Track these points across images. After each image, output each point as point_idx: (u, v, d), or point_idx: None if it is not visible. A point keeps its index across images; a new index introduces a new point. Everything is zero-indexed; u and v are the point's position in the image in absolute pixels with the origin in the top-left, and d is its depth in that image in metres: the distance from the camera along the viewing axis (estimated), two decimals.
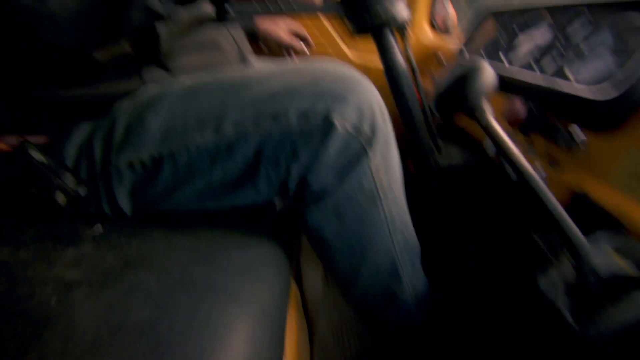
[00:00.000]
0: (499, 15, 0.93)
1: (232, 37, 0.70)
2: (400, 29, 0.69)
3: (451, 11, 1.31)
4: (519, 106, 0.69)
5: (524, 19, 0.81)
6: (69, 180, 0.51)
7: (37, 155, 0.51)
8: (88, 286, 0.38)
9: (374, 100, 0.51)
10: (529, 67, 0.71)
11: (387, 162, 0.54)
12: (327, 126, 0.47)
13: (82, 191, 0.52)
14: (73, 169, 0.53)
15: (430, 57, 1.26)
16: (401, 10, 0.66)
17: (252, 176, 0.51)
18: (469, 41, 1.01)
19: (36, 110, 0.54)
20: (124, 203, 0.54)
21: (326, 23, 1.41)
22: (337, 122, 0.47)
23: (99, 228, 0.52)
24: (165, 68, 0.58)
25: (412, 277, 0.64)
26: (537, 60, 0.70)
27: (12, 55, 0.50)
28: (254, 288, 0.43)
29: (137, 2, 0.41)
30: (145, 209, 0.56)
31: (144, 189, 0.54)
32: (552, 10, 0.75)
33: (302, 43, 1.13)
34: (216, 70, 0.64)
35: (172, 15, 0.44)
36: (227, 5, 0.64)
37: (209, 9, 0.65)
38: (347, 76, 0.51)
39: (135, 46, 0.55)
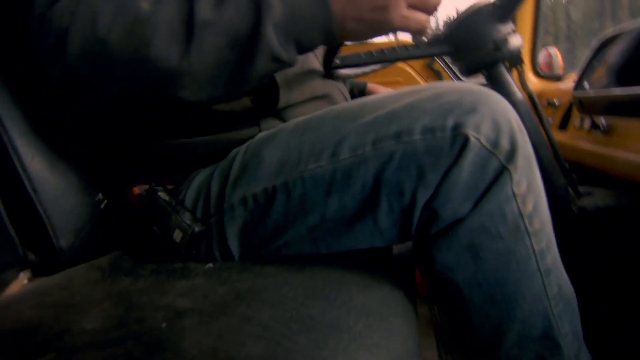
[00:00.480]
0: (622, 40, 0.82)
1: (341, 92, 0.72)
2: (516, 62, 0.65)
3: (556, 55, 1.22)
4: None
5: None
6: (187, 218, 0.53)
7: (163, 196, 0.55)
8: (199, 315, 0.35)
9: (510, 113, 0.43)
10: None
11: (532, 186, 0.43)
12: (459, 140, 0.40)
13: (197, 227, 0.52)
14: (191, 209, 0.55)
15: (540, 101, 1.16)
16: (515, 41, 0.62)
17: (371, 207, 0.45)
18: (587, 72, 0.90)
19: (163, 159, 0.59)
20: (234, 244, 0.52)
21: (418, 77, 1.43)
22: (471, 135, 0.40)
23: (210, 265, 0.51)
24: (281, 118, 0.59)
25: (572, 347, 0.48)
26: None
27: (145, 110, 0.55)
28: (383, 333, 0.35)
29: (264, 51, 0.40)
30: (254, 251, 0.53)
31: (254, 228, 0.51)
32: None
33: None
34: None
35: (293, 62, 0.43)
36: (336, 59, 0.67)
37: (317, 65, 0.69)
38: (475, 89, 0.44)
39: (255, 99, 0.57)
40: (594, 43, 0.94)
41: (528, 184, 0.43)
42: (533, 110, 0.65)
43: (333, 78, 0.70)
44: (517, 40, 0.61)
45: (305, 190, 0.47)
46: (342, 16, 0.40)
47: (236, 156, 0.53)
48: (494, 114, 0.41)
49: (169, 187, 0.59)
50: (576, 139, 0.89)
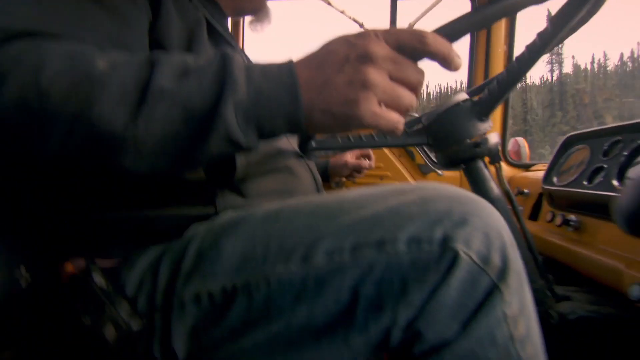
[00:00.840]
0: (594, 140, 0.86)
1: (306, 164, 0.68)
2: (494, 160, 0.65)
3: (524, 145, 1.28)
4: None
5: (628, 141, 0.73)
6: (124, 311, 0.43)
7: (99, 280, 0.45)
8: None
9: (501, 226, 0.39)
10: None
11: (524, 307, 0.39)
12: (448, 255, 0.37)
13: (134, 325, 0.43)
14: (132, 298, 0.46)
15: (511, 189, 1.19)
16: (493, 139, 0.62)
17: (344, 322, 0.39)
18: (555, 168, 0.93)
19: (105, 232, 0.51)
20: (179, 345, 0.43)
21: (391, 155, 1.44)
22: (461, 250, 0.37)
23: None
24: (240, 193, 0.54)
25: None
26: None
27: (84, 178, 0.49)
28: None
29: (220, 131, 0.35)
30: (202, 355, 0.44)
31: (206, 329, 0.43)
32: None
33: (367, 160, 1.12)
34: (293, 195, 0.60)
35: (252, 147, 0.38)
36: (312, 141, 0.64)
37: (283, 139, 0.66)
38: (464, 196, 0.41)
39: (209, 171, 0.51)
40: (561, 139, 0.99)
41: (520, 304, 0.39)
42: (510, 208, 0.64)
43: (301, 156, 0.66)
44: (496, 138, 0.61)
45: (270, 295, 0.41)
46: (310, 107, 0.36)
47: (190, 242, 0.46)
48: (486, 227, 0.38)
49: (111, 263, 0.50)
50: (548, 233, 0.89)
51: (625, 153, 0.70)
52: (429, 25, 0.52)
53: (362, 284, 0.38)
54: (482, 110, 0.61)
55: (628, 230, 0.36)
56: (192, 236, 0.47)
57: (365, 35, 0.36)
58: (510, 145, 1.29)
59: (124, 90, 0.34)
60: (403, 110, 0.37)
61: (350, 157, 1.08)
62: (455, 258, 0.36)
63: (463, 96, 0.63)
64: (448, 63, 0.37)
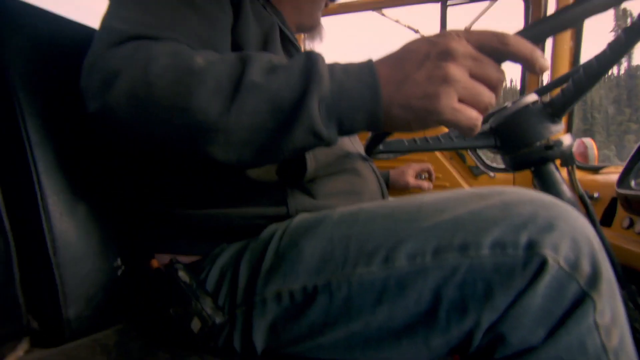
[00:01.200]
0: None
1: (370, 166, 0.70)
2: (567, 162, 0.62)
3: (591, 146, 1.20)
4: None
5: None
6: (208, 306, 0.47)
7: (183, 276, 0.50)
8: None
9: (589, 232, 0.39)
10: None
11: (616, 316, 0.38)
12: (535, 261, 0.36)
13: (218, 319, 0.46)
14: (213, 293, 0.50)
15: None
16: (567, 141, 0.60)
17: (425, 322, 0.40)
18: (633, 170, 0.87)
19: (186, 229, 0.56)
20: (259, 339, 0.47)
21: (442, 158, 1.42)
22: (549, 255, 0.36)
23: None
24: (310, 194, 0.56)
25: None
26: None
27: (173, 163, 0.53)
28: None
29: (304, 123, 0.37)
30: (280, 349, 0.47)
31: (286, 326, 0.46)
32: None
33: (427, 182, 1.12)
34: (361, 196, 0.62)
35: (332, 141, 0.40)
36: (381, 144, 0.65)
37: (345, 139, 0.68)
38: (548, 201, 0.40)
39: (281, 172, 0.55)
40: (630, 139, 0.92)
41: (612, 313, 0.37)
42: (585, 213, 0.61)
43: (365, 159, 0.68)
44: (569, 140, 0.59)
45: (350, 295, 0.42)
46: (389, 102, 0.37)
47: (270, 242, 0.49)
48: (574, 232, 0.37)
49: (191, 259, 0.55)
50: (624, 240, 0.83)
51: None
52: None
53: (445, 286, 0.39)
54: (554, 111, 0.59)
55: None
56: (270, 236, 0.50)
57: (446, 34, 0.36)
58: (575, 146, 1.21)
59: (219, 84, 0.37)
60: (482, 108, 0.37)
61: (411, 176, 1.09)
62: (543, 263, 0.36)
63: (533, 97, 0.61)
64: (532, 65, 0.36)
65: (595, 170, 1.19)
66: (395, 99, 0.37)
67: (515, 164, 0.61)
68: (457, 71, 0.35)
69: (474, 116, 0.36)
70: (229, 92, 0.37)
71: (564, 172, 0.64)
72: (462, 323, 0.39)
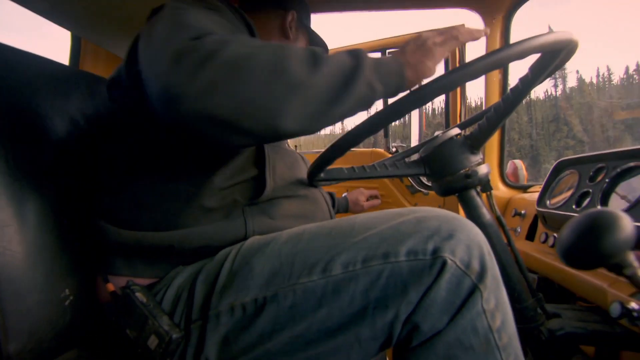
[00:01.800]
0: (581, 166, 0.92)
1: (320, 193, 0.76)
2: (485, 189, 0.71)
3: (521, 167, 1.34)
4: None
5: (610, 168, 0.79)
6: (165, 323, 0.51)
7: (140, 297, 0.53)
8: None
9: (480, 239, 0.49)
10: None
11: (499, 303, 0.48)
12: (438, 263, 0.46)
13: (175, 334, 0.50)
14: (169, 312, 0.54)
15: (508, 209, 1.24)
16: (483, 170, 0.69)
17: (356, 320, 0.48)
18: (548, 191, 0.99)
19: (143, 253, 0.58)
20: (212, 352, 0.51)
21: (389, 183, 1.55)
22: (448, 258, 0.46)
23: None
24: (267, 214, 0.63)
25: None
26: None
27: (128, 196, 0.58)
28: None
29: (363, 79, 0.50)
30: None
31: (238, 336, 0.51)
32: None
33: (377, 200, 1.33)
34: (312, 218, 0.68)
35: (379, 96, 0.53)
36: (321, 172, 0.71)
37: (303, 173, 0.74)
38: (450, 217, 0.50)
39: (241, 191, 0.61)
40: (553, 164, 1.05)
41: (496, 301, 0.48)
42: (501, 230, 0.70)
43: (315, 186, 0.74)
44: (485, 169, 0.68)
45: (295, 302, 0.49)
46: (406, 64, 0.54)
47: (224, 263, 0.54)
48: (467, 240, 0.48)
49: (146, 282, 0.58)
50: (542, 253, 0.94)
51: (607, 180, 0.76)
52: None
53: (372, 288, 0.47)
54: (473, 144, 0.68)
55: (565, 262, 0.43)
56: (225, 257, 0.55)
57: (426, 33, 0.58)
58: (508, 167, 1.35)
59: (304, 57, 0.47)
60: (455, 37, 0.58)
61: (364, 201, 1.29)
62: (444, 264, 0.46)
63: (456, 131, 0.70)
64: (476, 38, 0.59)
65: (524, 189, 1.32)
66: (409, 61, 0.54)
67: (442, 191, 0.69)
68: (431, 42, 0.56)
69: (453, 43, 0.57)
70: (312, 63, 0.47)
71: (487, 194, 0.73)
72: (385, 317, 0.47)
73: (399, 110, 0.52)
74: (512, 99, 0.62)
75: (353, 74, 0.49)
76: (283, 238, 0.55)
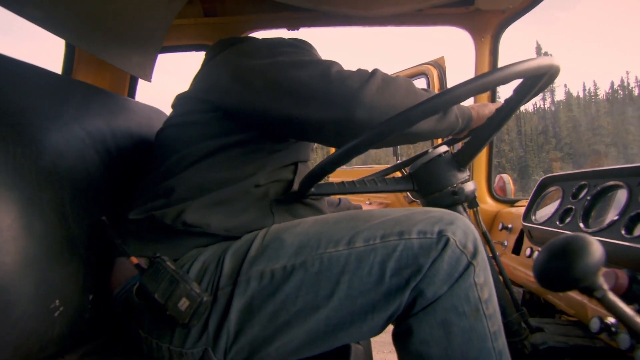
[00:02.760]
0: (565, 182, 0.95)
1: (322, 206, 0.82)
2: (471, 205, 0.73)
3: (508, 181, 1.37)
4: (622, 276, 0.62)
5: (592, 185, 0.82)
6: (195, 287, 0.55)
7: (171, 265, 0.57)
8: None
9: (473, 228, 0.59)
10: (619, 235, 0.67)
11: (487, 280, 0.57)
12: (442, 240, 0.55)
13: (206, 297, 0.55)
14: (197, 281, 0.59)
15: (495, 223, 1.26)
16: (469, 187, 0.71)
17: (374, 287, 0.56)
18: (533, 206, 1.02)
19: (174, 233, 0.66)
20: (233, 319, 0.57)
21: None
22: (451, 237, 0.55)
23: None
24: (292, 214, 0.73)
25: None
26: (629, 229, 0.66)
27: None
28: None
29: (454, 113, 0.75)
30: (251, 331, 0.57)
31: (262, 303, 0.57)
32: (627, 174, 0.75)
33: None
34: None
35: (461, 128, 0.78)
36: (313, 188, 0.73)
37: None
38: (451, 212, 0.60)
39: (274, 190, 0.72)
40: (539, 180, 1.08)
41: (484, 278, 0.57)
42: (487, 247, 0.71)
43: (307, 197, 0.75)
44: (471, 187, 0.70)
45: (321, 269, 0.57)
46: (473, 109, 0.79)
47: (254, 240, 0.61)
48: (464, 227, 0.57)
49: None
50: (527, 267, 0.96)
51: (588, 198, 0.79)
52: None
53: (388, 259, 0.56)
54: (460, 161, 0.70)
55: (540, 284, 0.45)
56: (254, 237, 0.62)
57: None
58: (496, 181, 1.38)
59: (412, 92, 0.69)
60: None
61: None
62: (447, 241, 0.55)
63: (443, 148, 0.72)
64: None
65: (512, 202, 1.35)
66: (474, 110, 0.79)
67: (430, 206, 0.70)
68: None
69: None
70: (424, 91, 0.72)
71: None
72: (398, 284, 0.55)
73: (384, 133, 0.54)
74: (498, 120, 0.64)
75: (448, 111, 0.72)
76: (310, 221, 0.63)
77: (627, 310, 0.44)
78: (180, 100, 0.81)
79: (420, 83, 1.61)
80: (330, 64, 0.67)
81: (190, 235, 0.65)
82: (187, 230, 0.65)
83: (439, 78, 1.48)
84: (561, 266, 0.42)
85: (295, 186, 0.72)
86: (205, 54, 0.87)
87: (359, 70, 0.67)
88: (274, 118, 0.69)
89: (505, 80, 0.51)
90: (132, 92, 1.30)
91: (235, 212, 0.68)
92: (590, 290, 0.42)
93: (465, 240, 0.56)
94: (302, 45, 0.76)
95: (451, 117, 0.72)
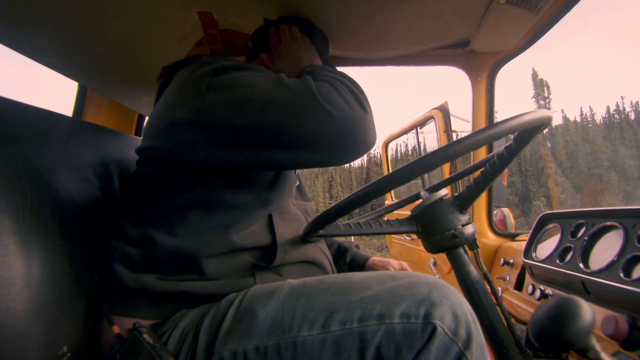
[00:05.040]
0: (563, 220, 0.97)
1: (325, 254, 0.81)
2: (472, 247, 0.75)
3: (508, 215, 1.39)
4: (622, 322, 0.63)
5: (589, 224, 0.84)
6: None
7: (147, 338, 0.55)
8: None
9: (465, 307, 0.52)
10: (617, 277, 0.69)
11: None
12: (429, 328, 0.49)
13: None
14: (175, 354, 0.56)
15: (496, 257, 1.27)
16: (470, 230, 0.72)
17: None
18: (533, 243, 1.03)
19: (155, 296, 0.62)
20: None
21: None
22: (438, 325, 0.49)
23: None
24: (278, 274, 0.68)
25: None
26: (627, 271, 0.68)
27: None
28: None
29: None
30: None
31: None
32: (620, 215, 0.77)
33: None
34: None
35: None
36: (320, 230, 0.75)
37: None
38: (440, 284, 0.54)
39: (254, 256, 0.66)
40: (538, 217, 1.10)
41: None
42: (489, 289, 0.72)
43: (314, 241, 0.77)
44: (472, 229, 0.71)
45: (295, 354, 0.52)
46: None
47: (229, 308, 0.57)
48: (454, 308, 0.51)
49: (149, 322, 0.61)
50: (529, 304, 0.97)
51: (586, 238, 0.81)
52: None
53: (367, 346, 0.50)
54: (461, 204, 0.72)
55: (538, 345, 0.46)
56: (230, 303, 0.58)
57: None
58: (496, 215, 1.40)
59: None
60: None
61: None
62: (434, 330, 0.49)
63: (445, 192, 0.74)
64: None
65: (513, 237, 1.36)
66: None
67: (431, 248, 0.72)
68: None
69: None
70: None
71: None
72: None
73: (381, 189, 0.56)
74: (499, 165, 0.67)
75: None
76: (285, 290, 0.58)
77: None
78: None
79: (430, 127, 1.85)
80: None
81: (170, 299, 0.62)
82: (165, 295, 0.62)
83: (444, 120, 1.68)
84: (555, 329, 0.44)
85: (279, 253, 0.68)
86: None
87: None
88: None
89: (503, 134, 0.55)
90: (139, 131, 1.34)
91: (211, 280, 0.63)
92: (583, 352, 0.43)
93: (455, 325, 0.50)
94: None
95: None
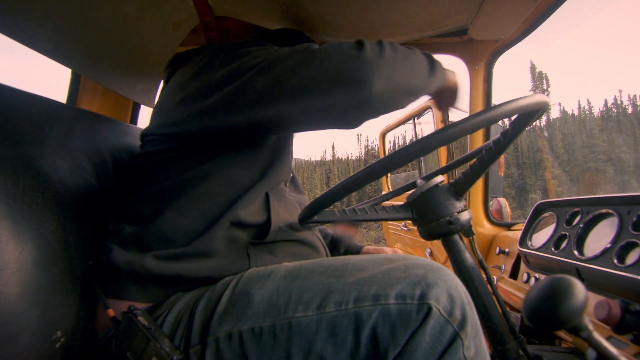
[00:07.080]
0: (559, 209, 0.97)
1: (316, 236, 0.81)
2: (467, 234, 0.75)
3: (505, 205, 1.39)
4: (615, 307, 0.63)
5: (585, 212, 0.84)
6: (166, 345, 0.53)
7: (142, 320, 0.55)
8: None
9: (461, 289, 0.52)
10: (611, 264, 0.69)
11: (479, 351, 0.50)
12: (424, 309, 0.49)
13: (176, 356, 0.52)
14: (170, 336, 0.56)
15: (492, 246, 1.28)
16: (465, 217, 0.72)
17: (350, 356, 0.50)
18: (529, 232, 1.03)
19: (151, 278, 0.62)
20: None
21: None
22: (433, 305, 0.49)
23: None
24: (272, 253, 0.69)
25: None
26: (621, 257, 0.68)
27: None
28: None
29: (442, 70, 0.72)
30: None
31: None
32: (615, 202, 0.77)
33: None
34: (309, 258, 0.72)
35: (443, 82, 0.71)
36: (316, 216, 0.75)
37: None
38: (435, 266, 0.54)
39: (249, 234, 0.67)
40: (534, 206, 1.10)
41: (476, 349, 0.50)
42: (484, 275, 0.72)
43: (309, 228, 0.77)
44: (467, 216, 0.71)
45: (291, 334, 0.52)
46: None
47: (224, 290, 0.57)
48: (450, 289, 0.51)
49: (144, 306, 0.61)
50: (524, 292, 0.97)
51: (582, 225, 0.81)
52: None
53: (362, 327, 0.50)
54: (457, 190, 0.72)
55: (530, 324, 0.46)
56: (225, 286, 0.59)
57: None
58: (492, 205, 1.40)
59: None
60: None
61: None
62: (429, 310, 0.49)
63: (441, 178, 0.74)
64: None
65: (509, 226, 1.36)
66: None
67: (427, 235, 0.72)
68: None
69: None
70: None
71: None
72: (376, 355, 0.49)
73: (377, 172, 0.56)
74: (495, 150, 0.67)
75: (437, 67, 0.70)
76: (281, 272, 0.58)
77: (612, 349, 0.45)
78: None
79: (427, 117, 1.80)
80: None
81: (165, 282, 0.63)
82: (161, 278, 0.62)
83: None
84: (547, 308, 0.44)
85: (273, 227, 0.69)
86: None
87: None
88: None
89: (501, 117, 0.54)
90: (134, 119, 1.33)
91: (207, 260, 0.64)
92: (576, 331, 0.43)
93: (451, 306, 0.50)
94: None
95: (438, 75, 0.68)
